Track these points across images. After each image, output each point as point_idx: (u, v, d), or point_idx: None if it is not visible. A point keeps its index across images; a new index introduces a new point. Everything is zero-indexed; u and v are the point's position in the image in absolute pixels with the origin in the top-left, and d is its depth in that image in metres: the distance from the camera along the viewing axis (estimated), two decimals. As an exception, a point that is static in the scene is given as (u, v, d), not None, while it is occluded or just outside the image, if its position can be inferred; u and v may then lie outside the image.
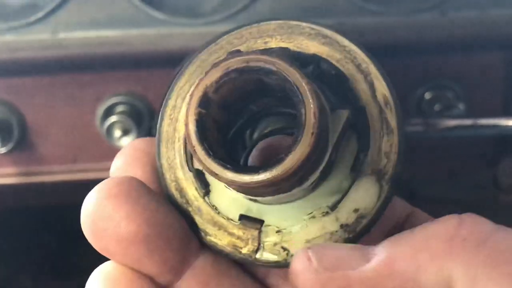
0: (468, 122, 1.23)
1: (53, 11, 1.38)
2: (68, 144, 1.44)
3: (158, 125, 0.79)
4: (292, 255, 0.72)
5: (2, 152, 1.40)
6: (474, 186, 2.40)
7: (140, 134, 1.40)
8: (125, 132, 1.37)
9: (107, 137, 1.38)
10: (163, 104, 0.78)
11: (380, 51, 1.35)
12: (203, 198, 0.76)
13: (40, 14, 1.38)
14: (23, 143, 1.43)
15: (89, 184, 1.44)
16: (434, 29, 1.42)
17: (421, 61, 1.45)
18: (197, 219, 0.76)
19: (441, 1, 1.43)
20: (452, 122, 1.25)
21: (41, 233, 2.43)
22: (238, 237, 0.75)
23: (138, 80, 1.41)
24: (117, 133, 1.37)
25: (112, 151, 1.42)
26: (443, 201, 2.46)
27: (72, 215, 2.42)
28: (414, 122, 1.24)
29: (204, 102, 0.68)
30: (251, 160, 0.79)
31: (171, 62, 1.36)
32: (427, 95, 1.46)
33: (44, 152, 1.44)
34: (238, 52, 0.76)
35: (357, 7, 1.41)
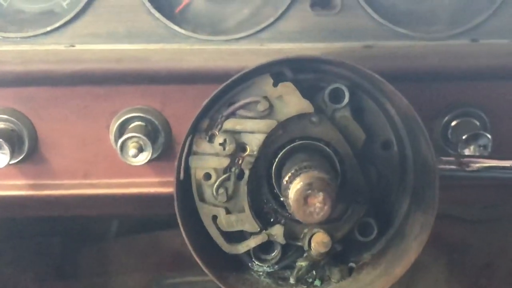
0: (503, 163, 1.17)
1: (70, 21, 1.34)
2: (80, 158, 1.39)
3: None
4: None
5: (11, 163, 1.35)
6: (484, 205, 2.37)
7: (154, 152, 1.35)
8: (140, 149, 1.32)
9: (120, 153, 1.32)
10: None
11: (408, 75, 1.32)
12: None
13: (56, 24, 1.34)
14: (33, 155, 1.38)
15: (99, 200, 1.41)
16: (464, 55, 1.37)
17: (450, 88, 1.40)
18: None
19: (472, 28, 1.39)
20: (487, 163, 1.19)
21: (45, 235, 2.40)
22: None
23: (155, 96, 1.36)
24: (132, 150, 1.31)
25: (124, 168, 1.38)
26: (452, 218, 2.44)
27: (76, 218, 2.39)
28: (446, 160, 1.18)
29: None
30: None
31: (191, 79, 1.32)
32: (454, 123, 1.41)
33: (54, 165, 1.40)
34: None
35: (387, 30, 1.37)
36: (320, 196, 1.00)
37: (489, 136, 1.37)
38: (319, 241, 1.11)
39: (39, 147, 1.38)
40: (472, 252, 2.42)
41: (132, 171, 1.40)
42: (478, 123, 1.41)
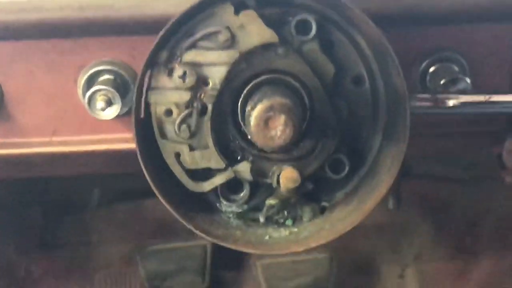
0: (479, 98, 1.13)
1: (30, -31, 1.29)
2: (48, 114, 1.35)
3: None
4: None
5: (-24, 122, 1.31)
6: (469, 164, 2.35)
7: (124, 106, 1.30)
8: (108, 103, 1.28)
9: (88, 107, 1.28)
10: None
11: (384, 20, 1.28)
12: None
13: (15, -27, 1.28)
14: (-1, 113, 1.34)
15: (69, 157, 1.37)
16: (442, -3, 1.33)
17: (427, 32, 1.36)
18: None
19: (450, -33, 1.35)
20: (462, 99, 1.15)
21: (26, 205, 2.37)
22: None
23: (123, 48, 1.31)
24: (100, 103, 1.27)
25: (94, 124, 1.34)
26: (436, 178, 2.42)
27: (57, 187, 2.36)
28: (421, 97, 1.14)
29: None
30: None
31: (159, 28, 1.26)
32: (432, 68, 1.37)
33: (22, 123, 1.35)
34: None
35: (360, -29, 1.32)
36: (282, 119, 0.96)
37: (468, 80, 1.33)
38: (288, 177, 1.08)
39: (5, 104, 1.34)
40: (458, 211, 2.42)
41: (102, 127, 1.36)
42: (457, 68, 1.37)
